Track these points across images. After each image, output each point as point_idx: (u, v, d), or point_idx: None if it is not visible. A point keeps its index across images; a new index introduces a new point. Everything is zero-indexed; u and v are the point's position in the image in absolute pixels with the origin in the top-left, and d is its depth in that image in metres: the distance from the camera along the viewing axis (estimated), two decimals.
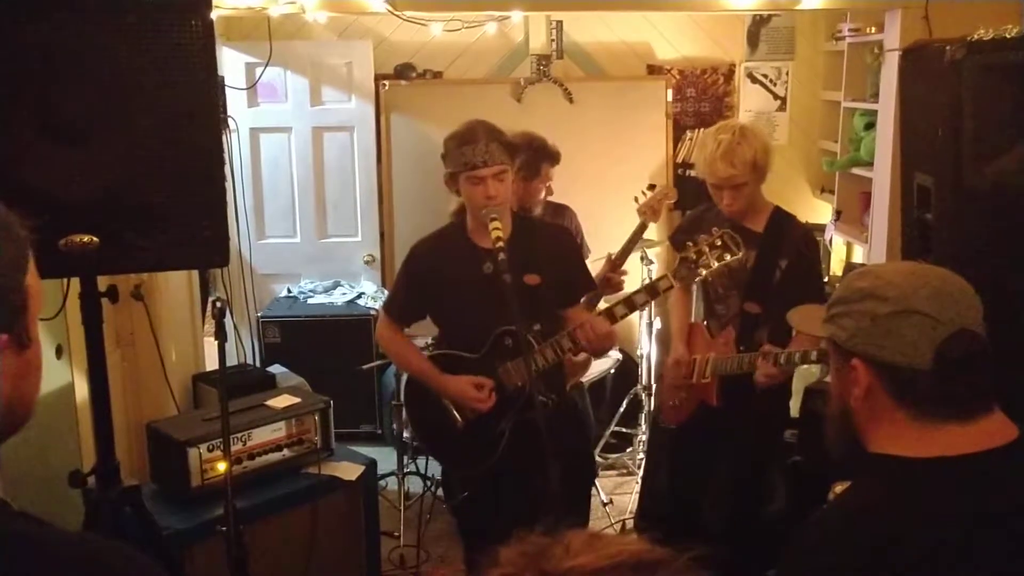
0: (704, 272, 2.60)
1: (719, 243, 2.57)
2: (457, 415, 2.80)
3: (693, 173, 4.84)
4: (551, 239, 2.80)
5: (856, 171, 4.66)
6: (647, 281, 4.49)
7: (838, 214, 4.89)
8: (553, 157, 3.59)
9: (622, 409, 4.62)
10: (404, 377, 3.15)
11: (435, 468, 3.91)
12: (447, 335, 2.93)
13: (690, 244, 2.62)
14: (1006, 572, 1.24)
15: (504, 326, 2.69)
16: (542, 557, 0.75)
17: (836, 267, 5.00)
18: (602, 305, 3.31)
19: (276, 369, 4.20)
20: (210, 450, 2.84)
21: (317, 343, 4.76)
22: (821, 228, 4.93)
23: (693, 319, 3.43)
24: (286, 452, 3.07)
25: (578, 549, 0.75)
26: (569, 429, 3.04)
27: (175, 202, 2.21)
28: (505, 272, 2.48)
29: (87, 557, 0.97)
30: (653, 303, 3.84)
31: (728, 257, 2.57)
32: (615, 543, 0.75)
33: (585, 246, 4.08)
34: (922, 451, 1.30)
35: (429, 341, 3.15)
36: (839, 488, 2.43)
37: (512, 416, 2.72)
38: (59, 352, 2.94)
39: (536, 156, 3.53)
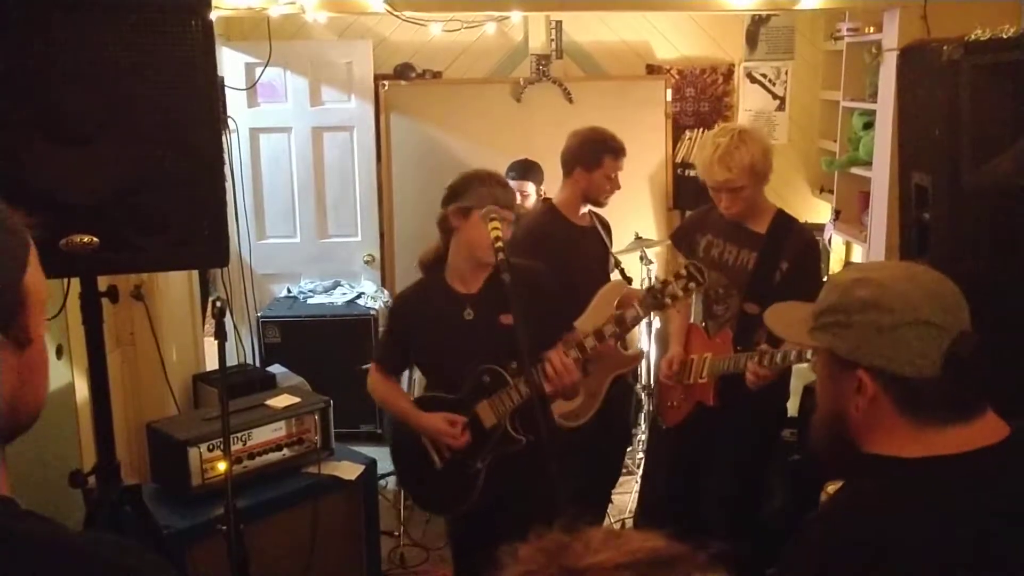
0: (670, 302, 2.64)
1: (684, 273, 2.62)
2: (435, 456, 2.81)
3: (693, 173, 4.85)
4: (526, 282, 2.73)
5: (855, 170, 4.66)
6: (646, 282, 4.52)
7: (837, 213, 4.90)
8: (615, 150, 3.56)
9: None
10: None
11: None
12: (432, 382, 2.97)
13: (657, 277, 2.64)
14: (1004, 568, 1.25)
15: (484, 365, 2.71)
16: (562, 554, 0.75)
17: (836, 266, 5.00)
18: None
19: (276, 369, 4.21)
20: (210, 450, 2.85)
21: (317, 343, 4.76)
22: (820, 227, 4.93)
23: (692, 320, 3.43)
24: (286, 452, 3.09)
25: (598, 546, 0.75)
26: (602, 428, 3.05)
27: (175, 202, 2.22)
28: (505, 272, 2.49)
29: (98, 557, 0.96)
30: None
31: (693, 287, 2.62)
32: (635, 539, 0.76)
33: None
34: (919, 451, 1.30)
35: None
36: (831, 488, 2.44)
37: (488, 453, 2.74)
38: (59, 352, 2.95)
39: (597, 147, 3.52)
